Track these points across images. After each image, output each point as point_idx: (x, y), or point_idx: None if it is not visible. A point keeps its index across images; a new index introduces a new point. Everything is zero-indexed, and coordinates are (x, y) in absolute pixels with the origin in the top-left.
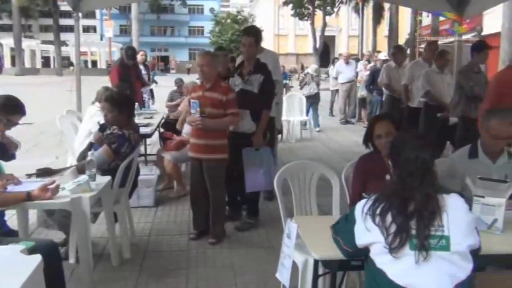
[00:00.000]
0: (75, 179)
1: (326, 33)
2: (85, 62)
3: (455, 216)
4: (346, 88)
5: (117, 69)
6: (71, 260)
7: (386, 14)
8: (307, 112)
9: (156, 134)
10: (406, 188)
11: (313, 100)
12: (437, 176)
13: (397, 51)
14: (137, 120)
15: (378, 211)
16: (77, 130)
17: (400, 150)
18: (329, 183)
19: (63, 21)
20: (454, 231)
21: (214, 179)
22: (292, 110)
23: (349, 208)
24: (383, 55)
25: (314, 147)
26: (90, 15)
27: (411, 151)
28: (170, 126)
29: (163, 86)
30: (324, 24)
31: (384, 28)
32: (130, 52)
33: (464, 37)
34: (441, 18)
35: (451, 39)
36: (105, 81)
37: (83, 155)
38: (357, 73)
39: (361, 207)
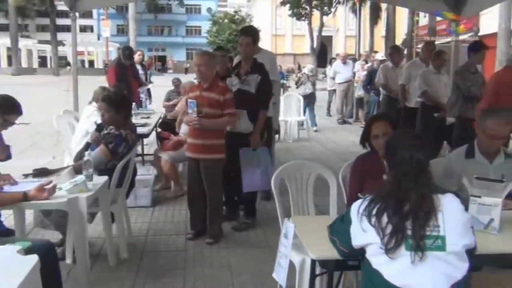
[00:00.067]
0: (72, 179)
1: (324, 33)
2: (82, 62)
3: (451, 216)
4: (344, 88)
5: (114, 69)
6: (68, 260)
7: (383, 15)
8: (304, 112)
9: (153, 134)
10: (401, 188)
11: (309, 100)
12: (432, 176)
13: (394, 51)
14: (134, 120)
15: (374, 211)
16: (74, 130)
17: (395, 150)
18: (326, 183)
19: (60, 21)
20: (449, 231)
21: (211, 179)
22: (289, 110)
23: (346, 208)
24: (380, 55)
25: (311, 147)
26: (87, 14)
27: (406, 151)
28: (167, 126)
29: (160, 86)
30: (322, 24)
31: (381, 28)
32: (127, 52)
33: (461, 37)
34: (438, 18)
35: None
36: (102, 81)
37: (80, 155)
38: (354, 73)
39: (357, 207)
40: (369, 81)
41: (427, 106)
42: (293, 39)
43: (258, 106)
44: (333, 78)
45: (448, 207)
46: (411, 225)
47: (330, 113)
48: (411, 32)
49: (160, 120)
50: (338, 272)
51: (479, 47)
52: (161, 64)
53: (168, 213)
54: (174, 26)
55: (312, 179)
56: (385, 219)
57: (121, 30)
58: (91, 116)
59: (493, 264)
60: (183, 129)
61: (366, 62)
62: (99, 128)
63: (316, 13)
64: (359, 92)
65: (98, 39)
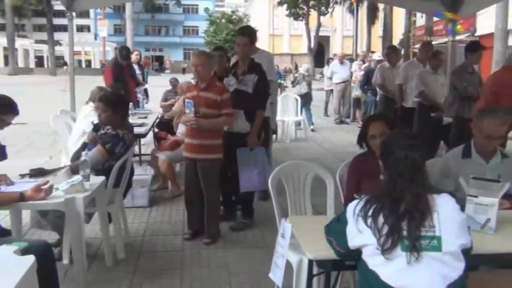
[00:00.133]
0: (69, 179)
1: (321, 33)
2: (79, 61)
3: (446, 216)
4: (341, 88)
5: (111, 69)
6: (65, 261)
7: (381, 15)
8: (301, 111)
9: (151, 134)
10: (396, 188)
11: (305, 100)
12: (428, 176)
13: (391, 52)
14: (131, 120)
15: (370, 212)
16: (71, 130)
17: (391, 150)
18: (323, 183)
19: (57, 21)
20: (445, 231)
21: (208, 179)
22: (286, 110)
23: (343, 208)
24: (377, 55)
25: (308, 147)
26: (84, 14)
27: (401, 151)
28: (164, 126)
29: (157, 86)
30: (319, 24)
31: (378, 29)
32: (124, 51)
33: (458, 37)
34: (435, 19)
35: (445, 39)
36: (99, 81)
37: (77, 155)
38: (351, 73)
39: (353, 208)
40: (366, 81)
41: (424, 106)
42: (291, 39)
43: (255, 106)
44: (331, 78)
45: (444, 207)
46: (406, 225)
47: (328, 113)
48: (408, 32)
49: (158, 120)
50: (335, 272)
51: (476, 47)
52: (159, 64)
53: (165, 213)
54: (171, 26)
55: (309, 179)
56: (381, 219)
57: (118, 30)
58: (88, 116)
59: (490, 264)
60: (181, 129)
61: (363, 62)
62: (96, 128)
63: (313, 13)
64: (356, 92)
65: (95, 39)
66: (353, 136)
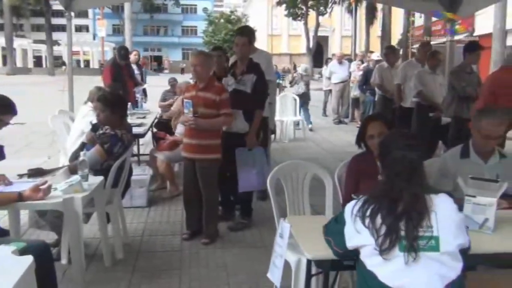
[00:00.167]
0: (67, 179)
1: (320, 33)
2: (78, 61)
3: (444, 216)
4: (339, 88)
5: (110, 69)
6: (63, 261)
7: (379, 15)
8: (299, 111)
9: (149, 134)
10: (394, 189)
11: (303, 100)
12: (426, 176)
13: (389, 52)
14: (130, 120)
15: (368, 213)
16: (69, 130)
17: (388, 150)
18: (322, 183)
19: (55, 21)
20: (443, 231)
21: (207, 179)
22: (285, 110)
23: (342, 208)
24: (376, 55)
25: (307, 147)
26: (83, 14)
27: (398, 150)
28: (163, 126)
29: (156, 86)
30: (317, 24)
31: (377, 29)
32: (122, 51)
33: (456, 37)
34: (434, 19)
35: (444, 39)
36: (98, 81)
37: (75, 155)
38: (350, 73)
39: (350, 208)
40: (365, 81)
41: (423, 106)
42: (289, 39)
43: (254, 106)
44: (329, 78)
45: (441, 207)
46: (404, 225)
47: (326, 113)
48: (407, 33)
49: (156, 120)
50: (333, 272)
51: (474, 47)
52: (157, 64)
53: (163, 213)
54: (170, 26)
55: (308, 179)
56: (379, 220)
57: (117, 30)
58: (86, 116)
59: (488, 264)
60: (179, 129)
61: (362, 62)
62: (94, 128)
63: (312, 13)
64: (355, 92)
65: (94, 39)
66: (352, 136)
